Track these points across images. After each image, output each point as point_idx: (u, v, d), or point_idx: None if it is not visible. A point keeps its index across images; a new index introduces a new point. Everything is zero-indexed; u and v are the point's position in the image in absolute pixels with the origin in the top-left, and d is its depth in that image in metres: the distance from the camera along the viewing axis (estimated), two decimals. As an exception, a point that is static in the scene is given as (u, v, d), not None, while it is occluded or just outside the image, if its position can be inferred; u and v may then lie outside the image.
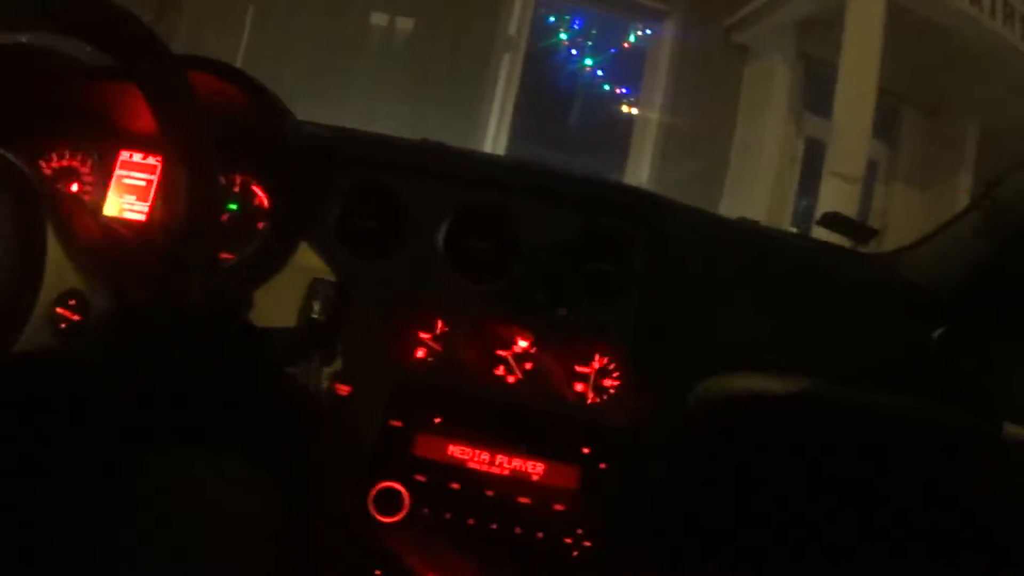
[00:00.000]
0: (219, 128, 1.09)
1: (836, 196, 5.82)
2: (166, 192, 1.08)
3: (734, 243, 1.70)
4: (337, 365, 1.53)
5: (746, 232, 1.80)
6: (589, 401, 1.56)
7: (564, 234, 1.59)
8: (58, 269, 0.99)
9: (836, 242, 1.97)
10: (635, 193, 1.70)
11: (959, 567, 1.72)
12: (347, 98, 6.79)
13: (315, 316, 1.50)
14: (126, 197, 1.66)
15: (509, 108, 7.40)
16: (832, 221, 1.97)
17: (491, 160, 1.88)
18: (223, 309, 1.44)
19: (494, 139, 7.23)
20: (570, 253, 1.59)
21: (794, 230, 6.30)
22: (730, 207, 6.97)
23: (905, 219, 7.09)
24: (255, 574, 1.37)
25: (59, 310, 0.98)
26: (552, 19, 7.81)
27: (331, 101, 6.45)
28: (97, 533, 1.27)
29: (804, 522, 1.74)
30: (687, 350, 1.58)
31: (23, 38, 1.41)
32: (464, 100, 7.17)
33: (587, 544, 1.50)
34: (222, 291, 1.45)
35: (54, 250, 0.99)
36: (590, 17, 7.89)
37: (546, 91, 7.71)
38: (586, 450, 1.51)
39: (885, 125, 7.37)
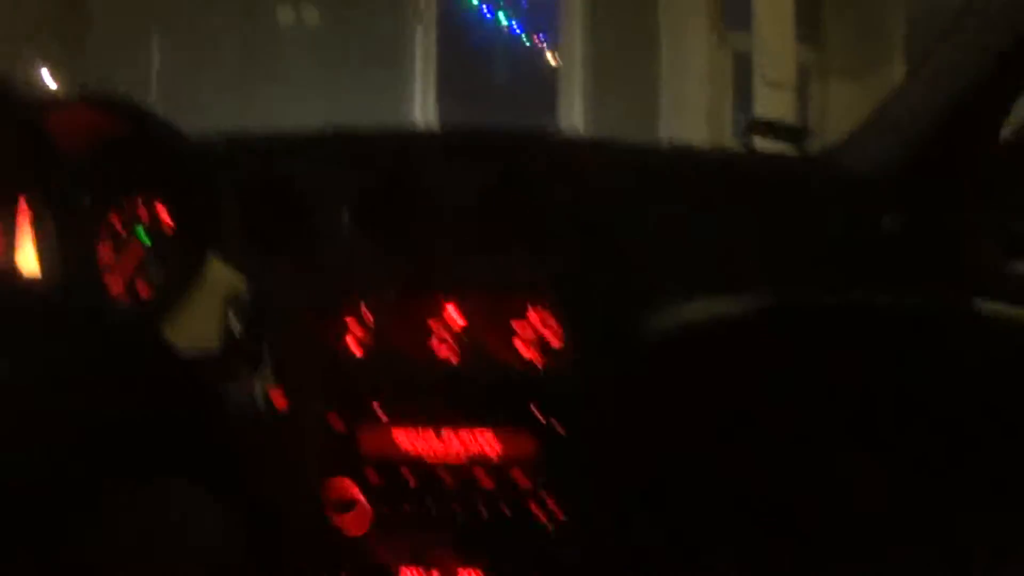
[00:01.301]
0: (109, 158, 1.15)
1: (771, 105, 5.80)
2: (38, 240, 1.08)
3: (658, 168, 1.65)
4: (268, 375, 1.47)
5: (670, 154, 1.77)
6: (531, 359, 1.50)
7: (474, 190, 1.55)
8: None
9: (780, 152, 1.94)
10: (540, 134, 1.69)
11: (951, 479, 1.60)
12: (268, 98, 6.74)
13: (235, 330, 1.42)
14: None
15: (432, 78, 7.35)
16: (761, 127, 1.91)
17: (386, 133, 1.87)
18: (144, 341, 1.37)
19: (422, 111, 7.15)
20: (485, 208, 1.55)
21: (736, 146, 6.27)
22: (668, 131, 6.94)
23: (845, 118, 7.08)
24: None
25: None
26: (458, -19, 7.79)
27: (253, 103, 6.43)
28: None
29: (787, 456, 1.63)
30: (628, 288, 1.53)
31: None
32: (385, 78, 7.12)
33: (560, 516, 1.45)
34: (141, 323, 1.39)
35: None
36: (495, -27, 7.85)
37: (466, 55, 7.70)
38: (539, 413, 1.46)
39: (808, 27, 7.35)
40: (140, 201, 1.55)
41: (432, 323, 1.52)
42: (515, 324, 1.51)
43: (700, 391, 1.57)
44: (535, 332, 1.51)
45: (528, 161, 1.57)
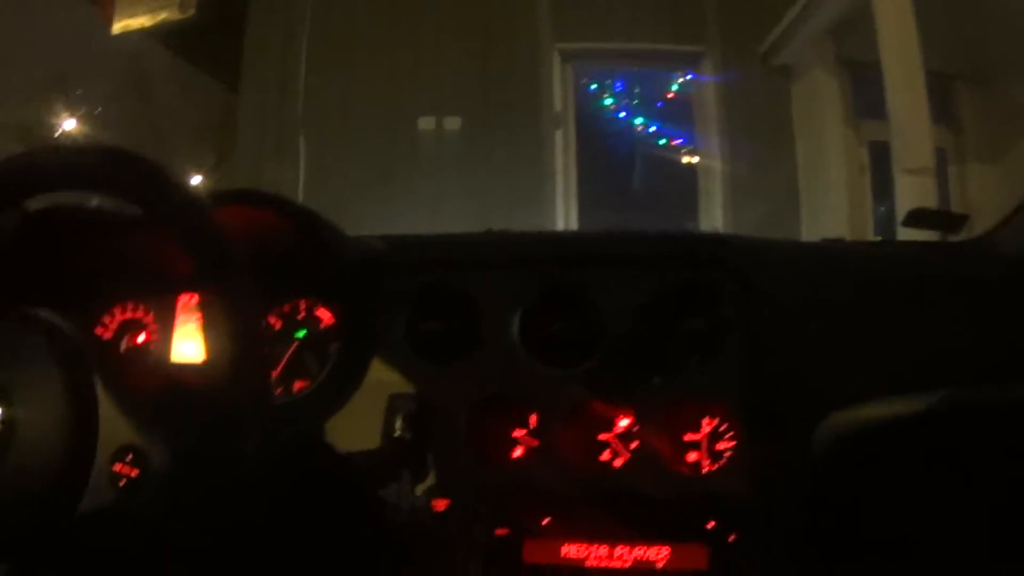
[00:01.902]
0: (273, 257, 1.13)
1: (913, 192, 5.70)
2: (209, 335, 1.05)
3: (823, 267, 1.63)
4: (430, 480, 1.48)
5: (833, 252, 1.74)
6: (705, 470, 1.48)
7: (645, 297, 1.53)
8: (112, 425, 1.00)
9: (925, 239, 1.91)
10: (708, 239, 1.66)
11: None
12: (410, 206, 6.90)
13: (398, 434, 1.44)
14: (191, 341, 1.63)
15: (572, 183, 7.42)
16: (918, 217, 1.91)
17: (553, 238, 1.85)
18: (302, 440, 1.42)
19: (564, 217, 7.25)
20: (655, 316, 1.52)
21: (879, 239, 6.19)
22: (811, 230, 6.92)
23: (986, 197, 6.94)
24: None
25: (117, 467, 0.99)
26: (594, 86, 7.84)
27: (396, 211, 6.54)
28: None
29: (962, 545, 1.59)
30: (799, 393, 1.50)
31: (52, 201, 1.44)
32: (526, 184, 7.22)
33: None
34: (298, 422, 1.42)
35: (106, 406, 1.01)
36: (630, 76, 7.90)
37: (604, 159, 7.69)
38: (711, 524, 1.43)
39: (941, 108, 7.22)
40: (301, 305, 1.61)
41: (602, 436, 1.51)
42: (688, 436, 1.49)
43: (879, 498, 1.56)
44: (708, 442, 1.49)
45: (700, 268, 1.55)
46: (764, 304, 1.52)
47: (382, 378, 1.51)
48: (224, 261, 1.05)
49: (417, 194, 7.14)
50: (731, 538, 1.42)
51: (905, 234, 2.04)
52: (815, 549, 1.50)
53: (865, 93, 7.00)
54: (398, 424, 1.45)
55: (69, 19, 6.18)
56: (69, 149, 1.11)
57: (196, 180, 7.45)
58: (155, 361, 1.59)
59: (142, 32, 6.43)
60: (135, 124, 7.03)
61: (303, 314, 1.62)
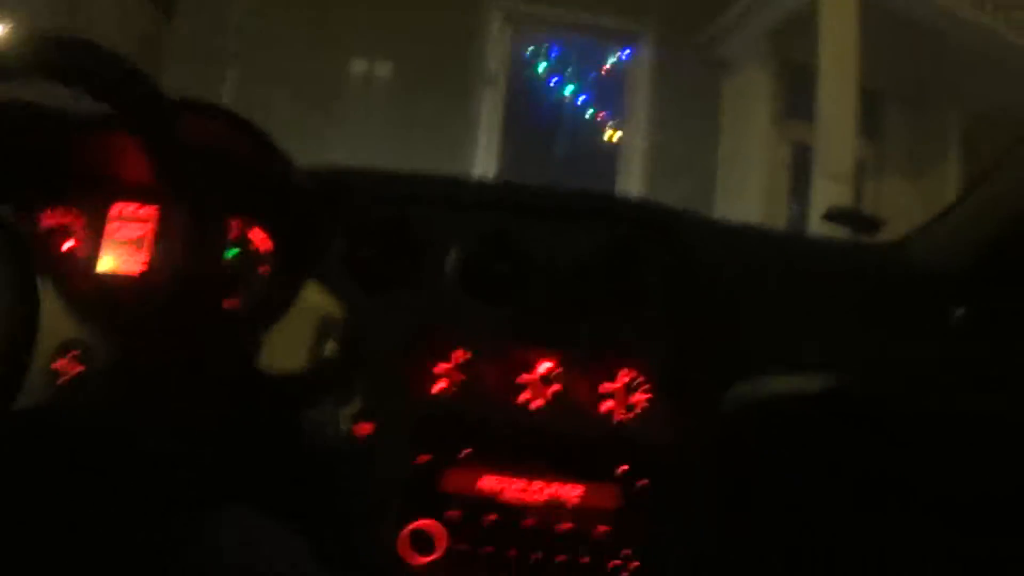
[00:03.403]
0: (216, 172, 1.08)
1: (829, 197, 5.79)
2: (165, 240, 1.12)
3: (747, 247, 1.68)
4: (355, 405, 1.48)
5: (756, 235, 1.79)
6: (618, 419, 1.51)
7: (580, 251, 1.55)
8: (56, 320, 0.98)
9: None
10: (649, 204, 1.69)
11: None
12: (332, 146, 6.87)
13: (327, 356, 1.43)
14: (120, 251, 1.58)
15: (495, 143, 7.45)
16: (838, 215, 1.94)
17: (501, 185, 1.81)
18: (230, 357, 1.39)
19: (483, 173, 7.19)
20: (589, 269, 1.55)
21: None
22: (723, 215, 6.94)
23: (897, 213, 7.09)
24: None
25: (59, 363, 0.97)
26: (530, 50, 7.86)
27: (317, 150, 6.47)
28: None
29: (849, 531, 1.66)
30: (714, 360, 1.55)
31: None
32: (449, 138, 7.24)
33: (635, 565, 1.45)
34: (228, 338, 1.39)
35: (50, 301, 0.98)
36: (567, 45, 7.93)
37: (530, 122, 7.73)
38: (623, 468, 1.47)
39: (868, 122, 7.37)
40: (234, 224, 1.58)
41: (524, 377, 1.53)
42: (605, 386, 1.52)
43: (771, 461, 1.60)
44: (624, 394, 1.52)
45: (637, 230, 1.58)
46: (692, 272, 1.56)
47: (315, 302, 1.47)
48: (191, 171, 1.05)
49: (341, 135, 7.17)
50: (641, 483, 1.46)
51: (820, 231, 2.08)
52: (721, 502, 1.54)
53: (793, 93, 7.10)
54: (328, 347, 1.43)
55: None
56: (49, 38, 1.05)
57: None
58: (84, 268, 1.54)
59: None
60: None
61: (236, 233, 1.58)
